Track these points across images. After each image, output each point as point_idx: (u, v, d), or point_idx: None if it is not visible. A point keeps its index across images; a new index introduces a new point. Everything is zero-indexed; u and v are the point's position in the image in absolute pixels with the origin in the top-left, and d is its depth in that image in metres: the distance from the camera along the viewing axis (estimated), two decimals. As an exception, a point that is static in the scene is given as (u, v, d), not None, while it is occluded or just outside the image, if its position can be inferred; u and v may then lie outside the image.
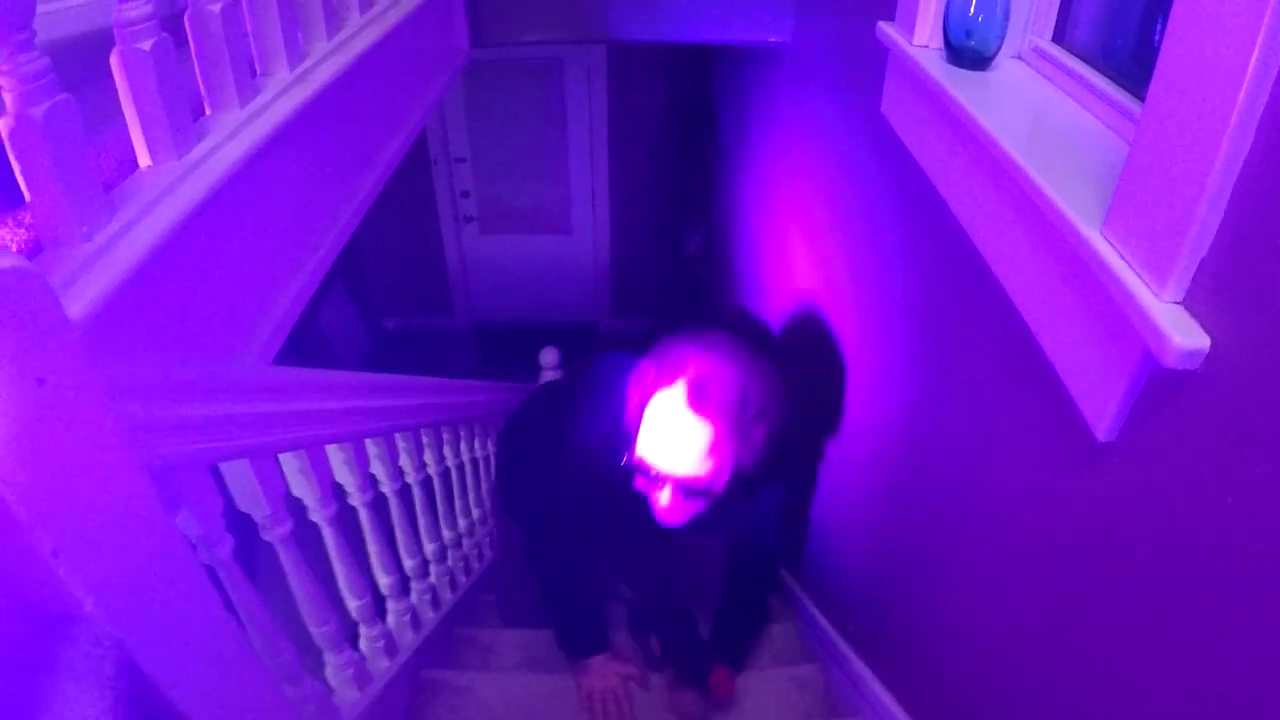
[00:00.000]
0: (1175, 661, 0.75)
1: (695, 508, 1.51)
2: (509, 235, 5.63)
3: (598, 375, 1.75)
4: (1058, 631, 0.97)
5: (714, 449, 1.41)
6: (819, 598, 2.18)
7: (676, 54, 4.77)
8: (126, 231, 0.91)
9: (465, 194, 5.44)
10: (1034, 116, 1.11)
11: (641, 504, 1.55)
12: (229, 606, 0.99)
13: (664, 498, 1.48)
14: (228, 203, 1.12)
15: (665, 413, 1.42)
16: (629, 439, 1.51)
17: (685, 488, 1.46)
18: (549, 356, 3.54)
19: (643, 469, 1.46)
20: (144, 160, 1.03)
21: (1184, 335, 0.66)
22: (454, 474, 2.30)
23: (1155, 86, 0.72)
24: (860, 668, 1.77)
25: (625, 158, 5.26)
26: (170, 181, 1.00)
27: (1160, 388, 0.73)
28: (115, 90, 0.99)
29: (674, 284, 5.44)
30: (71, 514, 0.64)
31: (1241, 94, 0.61)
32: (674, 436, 1.42)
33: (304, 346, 4.17)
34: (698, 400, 1.40)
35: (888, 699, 1.60)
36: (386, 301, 5.75)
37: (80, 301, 0.80)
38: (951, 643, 1.32)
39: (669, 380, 1.42)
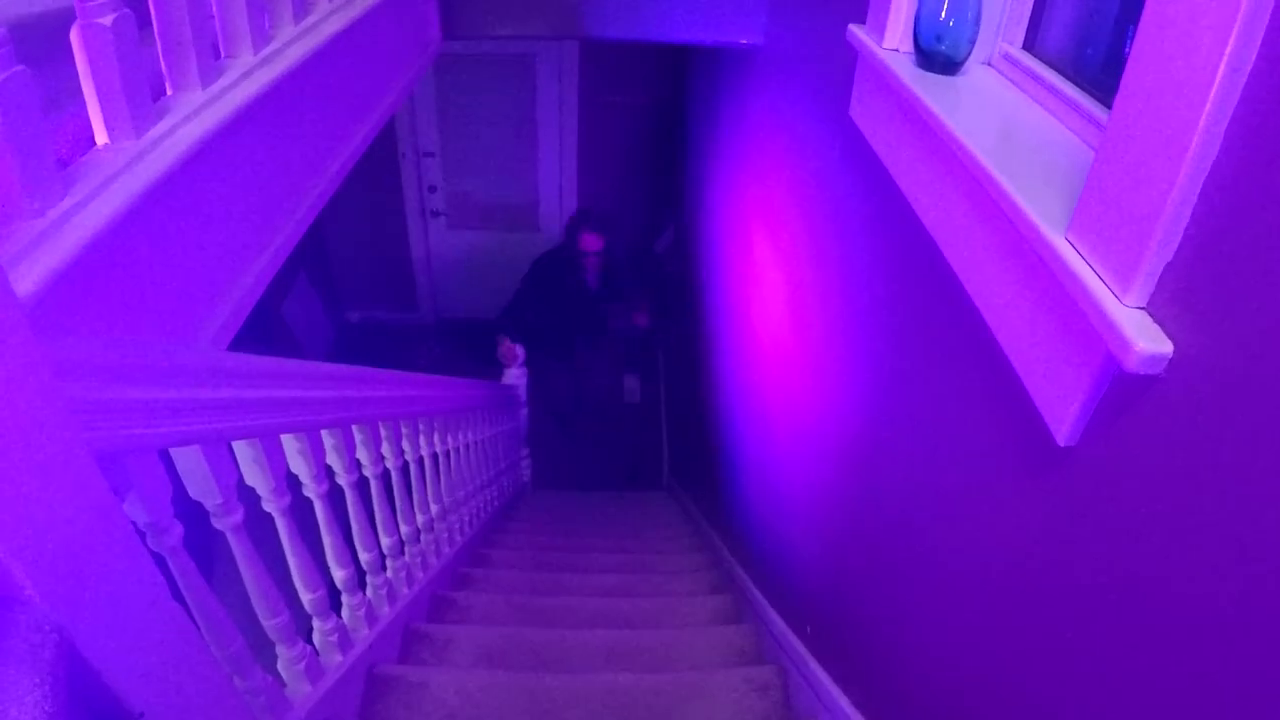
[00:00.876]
0: (1131, 665, 0.75)
1: (601, 263, 4.31)
2: (476, 231, 5.60)
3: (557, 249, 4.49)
4: (1015, 635, 0.97)
5: (600, 237, 4.22)
6: (776, 600, 2.19)
7: (649, 53, 4.77)
8: (80, 209, 0.89)
9: (433, 188, 5.40)
10: (1002, 122, 1.12)
11: (579, 285, 4.41)
12: (178, 595, 0.97)
13: (591, 262, 4.28)
14: (186, 183, 1.10)
15: (586, 233, 4.19)
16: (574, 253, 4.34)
17: (596, 253, 4.22)
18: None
19: (582, 250, 4.21)
20: (101, 138, 1.00)
21: (1147, 340, 0.67)
22: (413, 469, 2.28)
23: (1124, 92, 0.72)
24: (817, 670, 1.77)
25: (595, 156, 5.26)
26: (127, 160, 0.98)
27: (1122, 393, 0.74)
28: (75, 71, 0.97)
29: (642, 282, 5.46)
30: (13, 496, 0.62)
31: (1209, 102, 0.62)
32: (592, 237, 4.19)
33: (267, 337, 4.12)
34: (592, 228, 4.19)
35: (844, 702, 1.61)
36: (351, 294, 5.70)
37: (29, 278, 0.78)
38: (908, 646, 1.33)
39: (581, 226, 4.22)
